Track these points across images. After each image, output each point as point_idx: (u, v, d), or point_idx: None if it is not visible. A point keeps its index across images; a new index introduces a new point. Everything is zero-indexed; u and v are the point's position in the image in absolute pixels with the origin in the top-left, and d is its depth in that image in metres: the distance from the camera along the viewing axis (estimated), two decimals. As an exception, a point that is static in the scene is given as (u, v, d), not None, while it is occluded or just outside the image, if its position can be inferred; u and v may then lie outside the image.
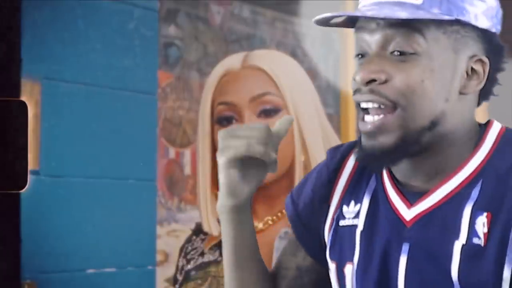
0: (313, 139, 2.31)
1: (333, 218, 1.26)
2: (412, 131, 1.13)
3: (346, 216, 1.24)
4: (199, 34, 2.57)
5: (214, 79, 2.38)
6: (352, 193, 1.25)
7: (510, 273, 1.10)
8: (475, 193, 1.15)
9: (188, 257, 2.43)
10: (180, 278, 2.43)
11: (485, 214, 1.13)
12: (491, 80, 1.20)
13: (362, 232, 1.21)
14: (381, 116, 1.13)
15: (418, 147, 1.15)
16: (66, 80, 2.17)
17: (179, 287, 2.42)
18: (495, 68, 1.19)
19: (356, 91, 1.16)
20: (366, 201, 1.23)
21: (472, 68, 1.17)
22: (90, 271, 2.20)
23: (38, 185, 2.06)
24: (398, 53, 1.14)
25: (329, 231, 1.26)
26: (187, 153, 2.50)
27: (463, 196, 1.15)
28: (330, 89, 3.07)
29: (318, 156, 2.19)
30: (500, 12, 1.21)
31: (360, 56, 1.18)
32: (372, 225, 1.20)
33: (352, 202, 1.24)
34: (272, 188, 2.22)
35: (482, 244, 1.12)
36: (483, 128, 1.21)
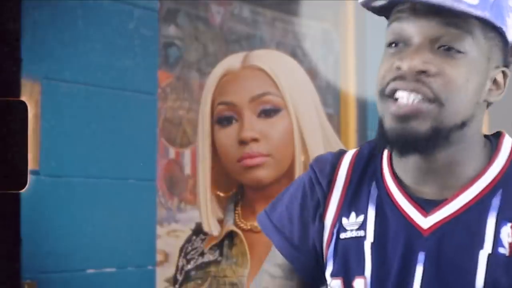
0: (313, 139, 2.31)
1: (331, 233, 1.21)
2: (444, 125, 1.11)
3: (348, 228, 1.20)
4: (199, 34, 2.57)
5: (214, 79, 2.38)
6: (350, 204, 1.21)
7: None
8: (496, 202, 1.13)
9: (188, 257, 2.43)
10: (180, 278, 2.43)
11: (509, 224, 1.12)
12: None
13: (372, 243, 1.17)
14: (418, 101, 1.10)
15: (447, 143, 1.13)
16: (66, 80, 2.17)
17: (179, 287, 2.42)
18: None
19: (397, 78, 1.12)
20: (371, 211, 1.19)
21: (494, 78, 1.16)
22: (90, 271, 2.19)
23: (38, 185, 2.06)
24: (447, 49, 1.11)
25: (327, 247, 1.22)
26: (187, 153, 2.50)
27: (484, 205, 1.13)
28: (330, 89, 3.07)
29: (318, 156, 2.19)
30: None
31: (395, 44, 1.14)
32: (382, 235, 1.17)
33: (353, 214, 1.20)
34: (272, 188, 2.22)
35: (507, 254, 1.11)
36: (495, 138, 1.20)
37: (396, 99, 1.12)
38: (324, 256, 1.22)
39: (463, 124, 1.13)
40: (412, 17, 1.13)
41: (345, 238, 1.19)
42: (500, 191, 1.14)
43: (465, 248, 1.12)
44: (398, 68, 1.12)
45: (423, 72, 1.10)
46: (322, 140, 2.30)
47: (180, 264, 2.43)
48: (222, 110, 2.30)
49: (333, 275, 1.20)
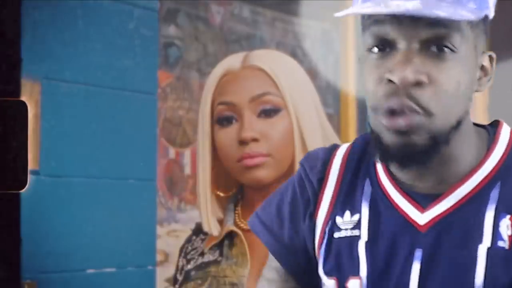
0: (313, 139, 2.31)
1: (323, 231, 1.16)
2: (440, 132, 1.06)
3: (342, 227, 1.15)
4: (199, 34, 2.57)
5: (214, 79, 2.38)
6: (345, 202, 1.16)
7: None
8: (494, 194, 1.10)
9: (188, 257, 2.43)
10: (180, 278, 2.43)
11: (508, 216, 1.08)
12: None
13: (366, 242, 1.13)
14: (411, 116, 1.05)
15: (447, 146, 1.08)
16: (66, 80, 2.17)
17: (179, 287, 2.42)
18: None
19: (389, 94, 1.04)
20: (365, 209, 1.14)
21: (482, 65, 1.11)
22: (90, 271, 2.19)
23: (38, 185, 2.06)
24: (439, 50, 1.04)
25: (319, 246, 1.17)
26: (187, 153, 2.50)
27: (482, 198, 1.10)
28: (330, 89, 3.07)
29: (318, 156, 2.19)
30: None
31: (379, 49, 1.06)
32: (376, 233, 1.12)
33: (348, 212, 1.15)
34: (272, 188, 2.22)
35: (507, 247, 1.07)
36: (493, 129, 1.16)
37: (391, 114, 1.05)
38: (317, 255, 1.18)
39: (458, 124, 1.08)
40: (396, 19, 1.04)
41: (339, 238, 1.15)
42: (499, 183, 1.10)
43: (464, 243, 1.08)
44: (389, 81, 1.04)
45: (417, 84, 1.04)
46: (322, 140, 2.30)
47: (180, 264, 2.43)
48: (222, 110, 2.30)
49: (327, 274, 1.16)
